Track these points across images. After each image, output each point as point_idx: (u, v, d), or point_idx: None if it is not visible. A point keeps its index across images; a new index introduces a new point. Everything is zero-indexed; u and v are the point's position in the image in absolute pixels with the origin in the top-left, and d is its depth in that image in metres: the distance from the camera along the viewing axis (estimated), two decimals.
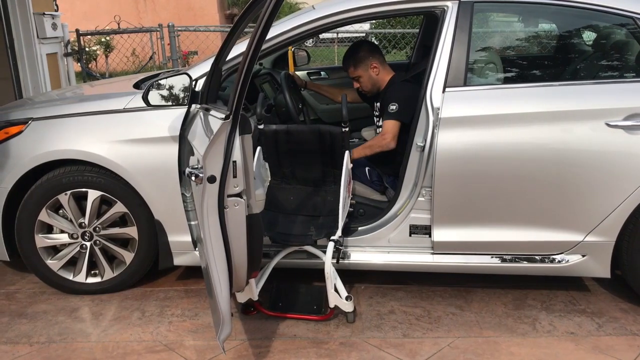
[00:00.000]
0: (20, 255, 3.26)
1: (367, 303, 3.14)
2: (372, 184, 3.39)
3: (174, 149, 2.98)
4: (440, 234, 2.98)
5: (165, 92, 3.01)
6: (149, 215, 3.11)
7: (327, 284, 2.85)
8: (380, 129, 3.49)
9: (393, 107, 3.25)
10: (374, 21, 12.72)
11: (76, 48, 8.59)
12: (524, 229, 2.93)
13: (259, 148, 3.14)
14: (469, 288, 3.28)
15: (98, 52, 12.63)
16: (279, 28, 3.05)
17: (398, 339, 2.81)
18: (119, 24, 9.51)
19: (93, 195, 3.12)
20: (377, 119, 3.55)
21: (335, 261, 2.87)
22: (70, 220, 3.19)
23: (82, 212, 3.17)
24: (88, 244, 3.22)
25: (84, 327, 2.98)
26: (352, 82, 3.63)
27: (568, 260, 2.94)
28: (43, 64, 6.57)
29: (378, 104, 3.54)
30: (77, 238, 3.21)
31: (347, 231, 3.11)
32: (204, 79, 3.03)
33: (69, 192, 3.11)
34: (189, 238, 3.11)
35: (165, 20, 9.55)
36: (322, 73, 5.19)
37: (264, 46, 2.95)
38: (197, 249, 3.13)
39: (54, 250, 3.28)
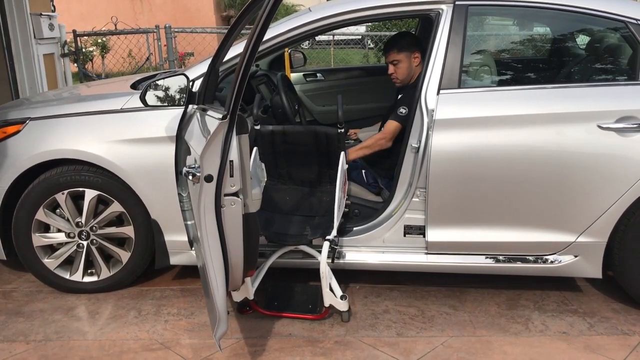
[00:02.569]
0: (17, 254, 3.27)
1: (362, 302, 3.17)
2: (368, 184, 3.41)
3: (170, 149, 3.00)
4: (435, 235, 3.01)
5: (162, 93, 3.03)
6: (146, 215, 3.13)
7: (322, 284, 2.87)
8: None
9: (403, 110, 3.27)
10: (369, 24, 12.76)
11: (73, 49, 8.59)
12: (517, 230, 2.96)
13: (255, 148, 3.17)
14: (463, 288, 3.31)
15: (94, 53, 12.62)
16: (276, 30, 3.08)
17: (392, 338, 2.83)
18: (115, 25, 9.52)
19: (90, 194, 3.13)
20: (390, 112, 3.54)
21: (330, 261, 2.90)
22: (67, 220, 3.20)
23: (79, 212, 3.19)
24: (85, 243, 3.23)
25: (80, 326, 2.99)
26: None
27: (561, 261, 2.97)
28: (40, 64, 6.58)
29: (400, 95, 3.54)
30: (74, 237, 3.23)
31: (343, 231, 3.14)
32: (201, 79, 3.06)
33: (66, 192, 3.13)
34: (185, 237, 3.13)
35: (162, 21, 9.57)
36: (318, 75, 5.22)
37: (261, 47, 2.97)
38: (193, 248, 3.15)
39: (51, 249, 3.30)
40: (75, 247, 3.25)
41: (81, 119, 3.17)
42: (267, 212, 3.24)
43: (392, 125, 3.30)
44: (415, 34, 3.66)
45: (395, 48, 3.46)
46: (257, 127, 3.23)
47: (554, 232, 2.93)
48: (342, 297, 2.92)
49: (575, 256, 2.95)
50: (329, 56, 12.39)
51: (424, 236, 3.04)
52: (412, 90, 3.41)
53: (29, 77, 6.39)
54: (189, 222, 3.11)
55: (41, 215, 3.17)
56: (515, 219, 2.94)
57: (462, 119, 2.88)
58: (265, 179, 3.34)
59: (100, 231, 3.22)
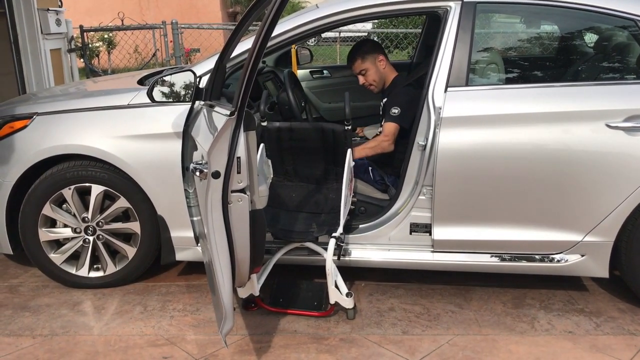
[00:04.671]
0: (24, 248, 3.28)
1: (367, 300, 3.17)
2: (374, 182, 3.41)
3: (177, 145, 3.00)
4: (441, 233, 3.00)
5: (169, 89, 3.03)
6: (152, 211, 3.14)
7: (328, 281, 2.87)
8: (381, 128, 3.52)
9: (395, 110, 3.29)
10: (376, 21, 12.74)
11: (80, 44, 8.61)
12: (523, 229, 2.95)
13: (261, 145, 3.16)
14: (469, 286, 3.30)
15: (101, 48, 12.64)
16: (283, 26, 3.07)
17: (397, 336, 2.83)
18: (122, 20, 9.53)
19: (96, 190, 3.14)
20: (382, 118, 3.57)
21: (336, 258, 2.89)
22: (74, 215, 3.21)
23: (86, 207, 3.19)
24: (91, 238, 3.24)
25: (86, 321, 3.00)
26: (353, 81, 3.65)
27: (567, 260, 2.96)
28: (47, 59, 6.59)
29: (383, 102, 3.56)
30: (80, 232, 3.24)
31: (349, 229, 3.14)
32: (208, 75, 3.06)
33: (72, 187, 3.14)
34: (191, 234, 3.14)
35: (168, 17, 9.58)
36: (325, 72, 5.22)
37: (268, 44, 2.97)
38: (199, 244, 3.15)
39: (57, 244, 3.30)
40: (81, 242, 3.25)
41: (88, 115, 3.17)
42: (274, 208, 3.23)
43: (390, 126, 3.31)
44: (373, 40, 3.70)
45: (358, 58, 3.51)
46: (264, 124, 3.23)
47: (560, 231, 2.92)
48: (347, 295, 2.91)
49: (582, 255, 2.94)
50: (335, 53, 12.39)
51: (430, 234, 3.04)
52: (393, 90, 3.43)
53: (35, 72, 6.41)
54: (195, 218, 3.11)
55: (48, 210, 3.18)
56: (522, 218, 2.93)
57: (470, 117, 2.87)
58: (272, 176, 3.35)
59: (106, 226, 3.22)
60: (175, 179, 3.03)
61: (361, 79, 3.55)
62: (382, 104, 3.59)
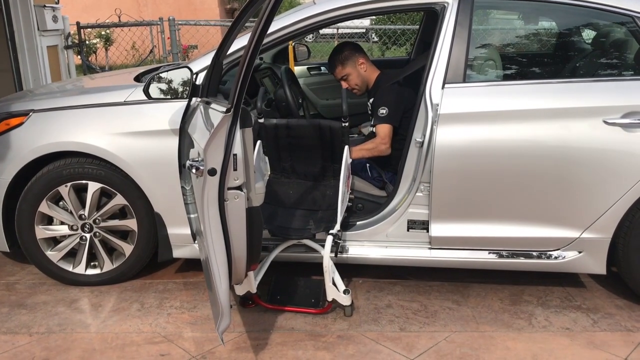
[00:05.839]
0: (21, 246, 3.27)
1: (365, 297, 3.17)
2: (372, 179, 3.40)
3: (174, 142, 2.99)
4: (438, 229, 3.00)
5: (166, 86, 3.02)
6: (149, 208, 3.13)
7: (326, 278, 2.87)
8: (372, 128, 3.51)
9: (383, 111, 3.29)
10: (374, 17, 12.73)
11: (77, 41, 8.58)
12: (521, 225, 2.94)
13: (259, 142, 3.16)
14: (466, 283, 3.30)
15: (98, 45, 12.61)
16: (280, 22, 3.06)
17: (395, 333, 2.83)
18: (119, 17, 9.49)
19: (93, 187, 3.13)
20: (372, 117, 3.57)
21: (333, 255, 2.89)
22: (71, 212, 3.20)
23: (82, 204, 3.18)
24: (88, 235, 3.23)
25: (83, 318, 3.00)
26: None
27: (564, 257, 2.96)
28: (43, 56, 6.58)
29: (370, 102, 3.56)
30: (77, 230, 3.23)
31: (346, 225, 3.13)
32: (204, 72, 3.05)
33: (69, 184, 3.13)
34: (188, 231, 3.13)
35: (166, 14, 9.55)
36: (322, 68, 5.21)
37: (265, 40, 2.96)
38: (196, 241, 3.14)
39: (54, 241, 3.30)
40: (78, 240, 3.25)
41: (84, 112, 3.16)
42: (271, 205, 3.23)
43: (384, 128, 3.31)
44: (350, 43, 3.70)
45: (338, 65, 3.52)
46: (261, 121, 3.22)
47: (558, 227, 2.92)
48: (345, 292, 2.91)
49: (580, 252, 2.94)
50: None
51: (428, 231, 3.03)
52: (378, 90, 3.42)
53: (32, 69, 6.40)
54: (192, 215, 3.11)
55: (44, 207, 3.17)
56: (519, 214, 2.93)
57: (467, 114, 2.87)
58: (269, 173, 3.34)
59: (103, 224, 3.22)
60: (172, 176, 3.02)
61: (344, 85, 3.54)
62: (369, 104, 3.59)
